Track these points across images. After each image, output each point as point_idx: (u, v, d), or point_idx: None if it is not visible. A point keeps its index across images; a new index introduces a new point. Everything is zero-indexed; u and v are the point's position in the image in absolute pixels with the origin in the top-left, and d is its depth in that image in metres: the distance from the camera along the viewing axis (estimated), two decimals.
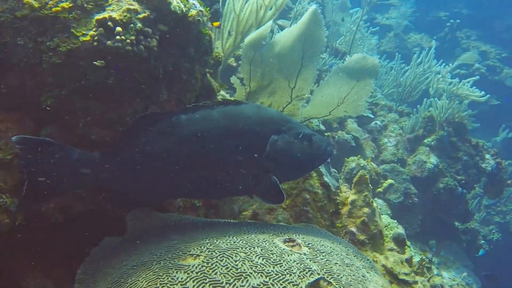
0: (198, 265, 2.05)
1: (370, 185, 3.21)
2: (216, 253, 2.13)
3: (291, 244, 2.39)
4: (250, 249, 2.19)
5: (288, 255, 2.21)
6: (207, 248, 2.18)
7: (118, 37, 2.19)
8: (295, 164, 2.65)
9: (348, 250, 2.63)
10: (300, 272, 2.09)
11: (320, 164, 2.95)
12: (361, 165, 6.39)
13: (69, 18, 2.24)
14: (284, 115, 2.83)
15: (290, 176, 2.81)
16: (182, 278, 1.97)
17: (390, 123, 8.24)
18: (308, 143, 2.64)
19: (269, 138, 2.55)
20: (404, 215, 7.27)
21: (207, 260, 2.09)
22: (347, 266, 2.36)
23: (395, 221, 4.09)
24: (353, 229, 3.07)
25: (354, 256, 2.60)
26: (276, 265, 2.11)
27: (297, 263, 2.15)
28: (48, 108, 2.35)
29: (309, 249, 2.35)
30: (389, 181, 6.70)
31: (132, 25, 2.25)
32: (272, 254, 2.19)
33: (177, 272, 2.02)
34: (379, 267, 2.94)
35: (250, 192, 2.69)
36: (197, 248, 2.18)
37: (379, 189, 6.65)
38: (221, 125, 2.47)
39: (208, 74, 3.21)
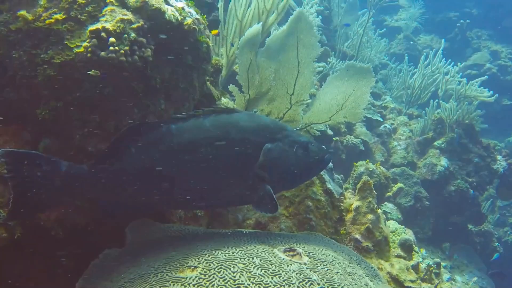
0: (195, 277, 2.02)
1: (374, 191, 3.15)
2: (214, 265, 2.10)
3: (291, 253, 2.35)
4: (248, 259, 2.16)
5: (288, 265, 2.17)
6: (205, 260, 2.15)
7: (111, 47, 2.18)
8: (291, 173, 2.59)
9: (351, 258, 2.59)
10: (299, 282, 2.05)
11: (318, 173, 2.89)
12: (370, 169, 6.31)
13: (63, 30, 2.23)
14: (279, 123, 2.78)
15: (286, 185, 2.75)
16: None
17: (399, 126, 8.15)
18: (304, 152, 2.58)
19: (263, 147, 2.49)
20: (415, 219, 7.19)
21: (204, 272, 2.05)
22: (349, 275, 2.31)
23: (403, 226, 4.04)
24: (358, 236, 3.02)
25: (357, 264, 2.55)
26: (274, 275, 2.07)
27: (296, 273, 2.11)
28: (45, 120, 2.35)
29: (310, 258, 2.31)
30: (399, 185, 6.62)
31: (126, 35, 2.24)
32: (271, 264, 2.15)
33: (174, 284, 1.99)
34: (384, 274, 2.89)
35: (245, 202, 2.64)
36: (195, 260, 2.15)
37: (389, 193, 6.58)
38: (212, 135, 2.41)
39: (208, 82, 3.19)
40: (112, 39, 2.19)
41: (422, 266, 3.38)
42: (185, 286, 1.97)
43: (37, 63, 2.25)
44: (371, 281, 2.44)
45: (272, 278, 2.05)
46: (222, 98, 3.34)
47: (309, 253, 2.36)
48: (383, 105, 8.64)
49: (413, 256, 3.44)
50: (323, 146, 2.78)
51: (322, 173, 3.10)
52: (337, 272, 2.27)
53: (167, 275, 2.06)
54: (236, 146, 2.44)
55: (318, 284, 2.09)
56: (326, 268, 2.26)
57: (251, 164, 2.48)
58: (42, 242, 2.47)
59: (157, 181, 2.39)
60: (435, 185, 7.23)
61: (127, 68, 2.28)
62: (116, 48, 2.19)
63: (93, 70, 2.22)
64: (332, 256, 2.44)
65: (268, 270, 2.10)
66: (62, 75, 2.24)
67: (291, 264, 2.19)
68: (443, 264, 7.04)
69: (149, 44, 2.34)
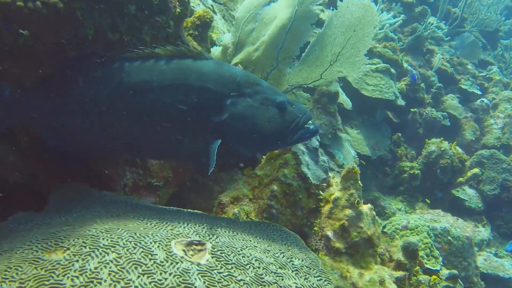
0: (55, 261, 1.76)
1: (359, 183, 2.60)
2: (85, 250, 1.82)
3: (198, 248, 1.98)
4: (128, 250, 1.85)
5: (173, 264, 1.82)
6: (82, 242, 1.88)
7: None
8: (257, 133, 2.24)
9: (290, 262, 2.14)
10: (170, 287, 1.70)
11: (297, 140, 2.43)
12: (442, 149, 5.52)
13: None
14: (254, 76, 2.40)
15: (251, 148, 2.39)
16: (25, 276, 1.69)
17: (501, 102, 7.00)
18: (278, 112, 2.23)
19: (226, 99, 2.20)
20: (499, 211, 6.26)
21: (70, 257, 1.79)
22: (260, 285, 1.90)
23: (428, 224, 3.41)
24: (330, 233, 2.53)
25: (294, 272, 2.10)
26: (145, 275, 1.74)
27: (175, 276, 1.76)
28: None
29: (213, 258, 1.93)
30: (475, 170, 5.71)
31: None
32: (151, 260, 1.81)
33: (29, 266, 1.75)
34: (348, 285, 2.39)
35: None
36: (75, 240, 1.89)
37: (461, 179, 5.71)
38: (167, 77, 2.18)
39: (189, 37, 2.83)
40: None
41: (423, 278, 2.79)
42: (38, 270, 1.72)
43: None
44: None
45: (139, 277, 1.72)
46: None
47: (218, 250, 1.98)
48: (487, 76, 7.48)
49: (416, 263, 2.87)
50: (308, 110, 2.36)
51: (300, 153, 2.64)
52: (240, 280, 1.87)
53: (33, 254, 1.83)
54: (192, 94, 2.17)
55: None
56: (226, 274, 1.87)
57: (210, 118, 2.20)
58: None
59: (102, 121, 2.24)
60: None
61: (28, 16, 2.00)
62: None
63: None
64: (253, 258, 2.02)
65: (142, 267, 1.77)
66: None
67: (178, 263, 1.83)
68: None
69: None
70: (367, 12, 2.99)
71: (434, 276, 2.83)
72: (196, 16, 2.86)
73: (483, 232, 6.00)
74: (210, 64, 2.24)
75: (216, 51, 2.99)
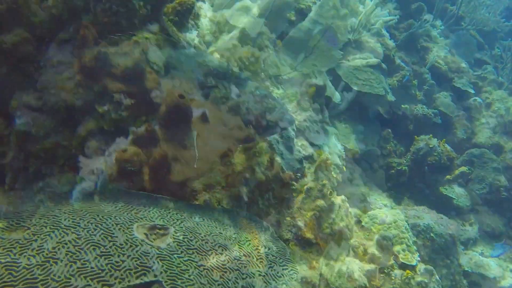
0: (14, 240, 1.76)
1: (332, 174, 2.60)
2: (46, 230, 1.82)
3: (161, 232, 1.98)
4: (88, 231, 1.84)
5: (132, 247, 1.81)
6: (44, 222, 1.87)
7: None
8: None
9: (256, 251, 2.14)
10: (126, 270, 1.70)
11: (273, 133, 2.48)
12: (431, 146, 5.50)
13: None
14: (230, 68, 2.41)
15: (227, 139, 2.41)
16: None
17: (494, 102, 6.96)
18: (256, 104, 2.35)
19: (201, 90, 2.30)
20: (488, 210, 6.23)
21: (29, 236, 1.79)
22: (222, 271, 1.89)
23: (406, 219, 3.40)
24: (301, 223, 2.52)
25: (258, 260, 2.10)
26: (103, 256, 1.73)
27: (132, 259, 1.75)
28: None
29: (175, 242, 1.92)
30: (462, 168, 5.68)
31: None
32: (110, 241, 1.81)
33: None
34: (315, 275, 2.39)
35: None
36: (36, 220, 1.89)
37: (448, 177, 5.69)
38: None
39: (169, 22, 2.82)
40: None
41: (396, 272, 2.79)
42: None
43: None
44: (265, 283, 2.00)
45: (96, 258, 1.71)
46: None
47: (180, 235, 1.97)
48: (482, 75, 7.43)
49: (391, 257, 2.86)
50: (283, 103, 2.38)
51: (274, 142, 2.63)
52: (201, 265, 1.86)
53: None
54: None
55: (155, 276, 1.72)
56: (186, 258, 1.86)
57: None
58: None
59: None
60: None
61: None
62: None
63: None
64: (215, 244, 2.02)
65: (100, 248, 1.76)
66: None
67: (138, 246, 1.83)
68: None
69: None
70: (346, 4, 2.96)
71: (407, 271, 2.82)
72: (177, 1, 2.84)
73: (470, 231, 5.99)
74: (188, 54, 2.25)
75: (191, 36, 2.97)
